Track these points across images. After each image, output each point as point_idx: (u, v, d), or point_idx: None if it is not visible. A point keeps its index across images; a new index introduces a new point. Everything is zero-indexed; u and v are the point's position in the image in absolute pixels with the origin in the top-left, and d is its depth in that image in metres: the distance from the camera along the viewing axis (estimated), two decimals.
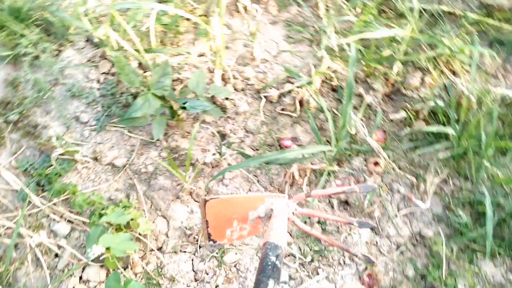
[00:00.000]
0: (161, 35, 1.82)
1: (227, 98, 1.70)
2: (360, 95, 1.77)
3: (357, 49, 1.73)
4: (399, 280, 1.43)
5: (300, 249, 1.46)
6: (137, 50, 1.62)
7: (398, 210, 1.57)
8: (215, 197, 0.98)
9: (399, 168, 1.63)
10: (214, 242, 1.00)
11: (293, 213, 1.04)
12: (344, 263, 1.45)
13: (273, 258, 0.80)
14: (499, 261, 1.45)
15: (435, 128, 1.60)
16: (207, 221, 0.97)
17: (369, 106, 1.76)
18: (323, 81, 1.78)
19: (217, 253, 1.37)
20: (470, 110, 1.60)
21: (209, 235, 0.99)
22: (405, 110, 1.71)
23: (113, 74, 1.73)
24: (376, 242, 1.50)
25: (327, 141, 1.65)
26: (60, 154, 1.50)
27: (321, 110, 1.68)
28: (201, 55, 1.80)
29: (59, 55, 1.71)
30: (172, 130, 1.65)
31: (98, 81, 1.70)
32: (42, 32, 1.68)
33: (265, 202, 1.02)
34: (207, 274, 1.36)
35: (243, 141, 1.67)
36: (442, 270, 1.40)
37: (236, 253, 1.39)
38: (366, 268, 1.43)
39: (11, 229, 1.40)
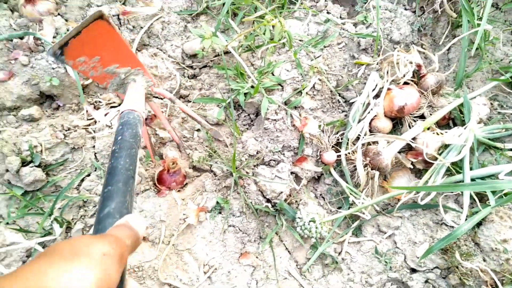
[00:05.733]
0: None
1: None
2: None
3: None
4: None
5: None
6: None
7: None
8: (110, 21, 0.85)
9: None
10: (61, 54, 0.84)
11: (150, 88, 1.00)
12: None
13: (125, 119, 0.76)
14: None
15: None
16: (80, 31, 0.83)
17: None
18: None
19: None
20: None
21: (65, 43, 0.83)
22: None
23: None
24: None
25: None
26: None
27: None
28: None
29: None
30: None
31: None
32: None
33: (134, 69, 0.94)
34: None
35: None
36: None
37: None
38: None
39: None
